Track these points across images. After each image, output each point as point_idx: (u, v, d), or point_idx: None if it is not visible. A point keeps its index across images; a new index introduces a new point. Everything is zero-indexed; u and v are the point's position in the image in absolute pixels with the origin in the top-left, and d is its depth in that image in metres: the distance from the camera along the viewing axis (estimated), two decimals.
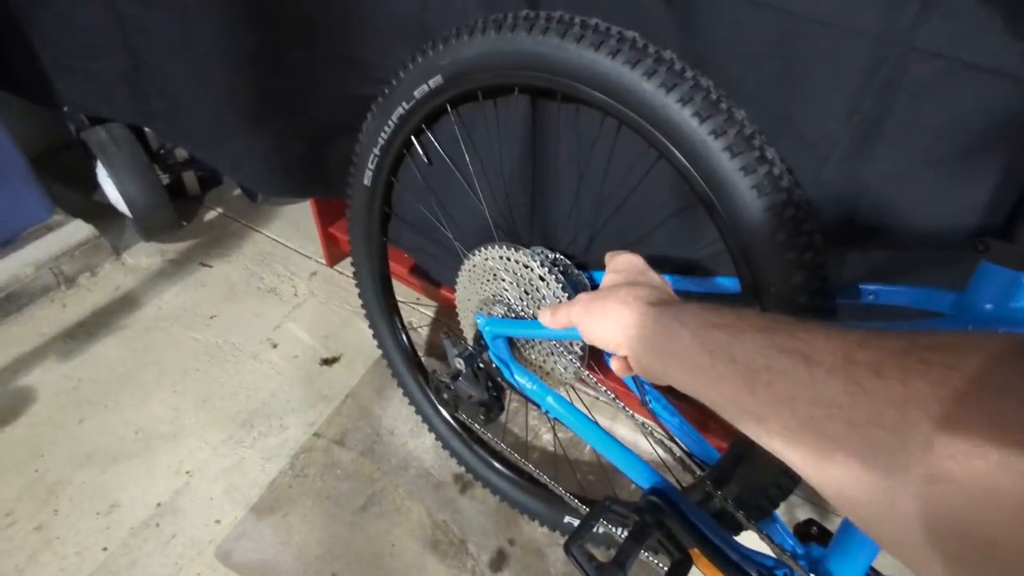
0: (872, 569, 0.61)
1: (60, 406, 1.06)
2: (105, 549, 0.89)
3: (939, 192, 0.56)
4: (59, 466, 0.98)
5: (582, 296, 0.45)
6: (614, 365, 0.47)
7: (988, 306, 0.43)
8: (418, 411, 1.05)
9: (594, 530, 0.62)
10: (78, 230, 1.25)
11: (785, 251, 0.51)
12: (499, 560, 0.94)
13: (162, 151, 1.32)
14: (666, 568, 0.59)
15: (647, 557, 0.64)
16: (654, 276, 0.48)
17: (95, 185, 1.34)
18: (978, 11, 0.47)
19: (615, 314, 0.40)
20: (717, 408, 0.31)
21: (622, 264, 0.49)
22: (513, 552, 0.95)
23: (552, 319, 0.48)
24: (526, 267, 0.73)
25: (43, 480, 0.96)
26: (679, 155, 0.54)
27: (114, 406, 1.07)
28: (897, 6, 0.50)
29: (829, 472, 0.23)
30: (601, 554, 0.78)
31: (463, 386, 0.78)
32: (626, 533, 0.62)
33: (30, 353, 1.13)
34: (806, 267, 0.51)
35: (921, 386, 0.20)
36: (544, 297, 0.72)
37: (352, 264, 1.00)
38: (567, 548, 0.61)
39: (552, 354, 0.75)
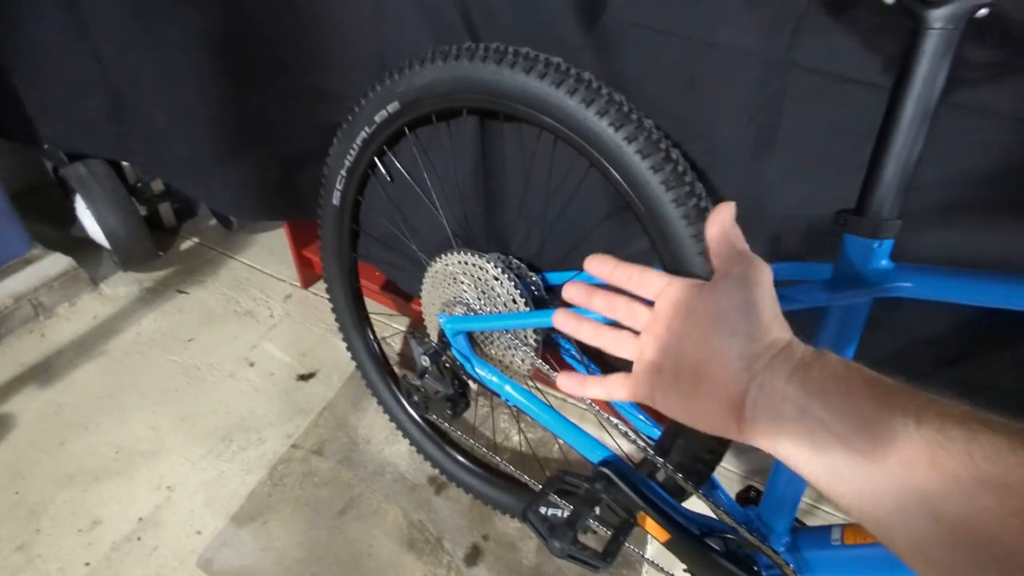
0: (796, 519, 0.68)
1: (41, 430, 1.08)
2: (87, 564, 0.91)
3: (825, 184, 0.66)
4: (40, 487, 1.00)
5: (650, 353, 0.37)
6: (610, 386, 0.41)
7: (852, 271, 0.52)
8: (392, 418, 1.10)
9: (549, 499, 0.68)
10: (56, 262, 1.29)
11: (692, 236, 0.60)
12: (474, 555, 0.99)
13: (139, 184, 1.38)
14: (614, 526, 0.65)
15: (597, 527, 0.69)
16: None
17: (72, 220, 1.39)
18: (842, 31, 0.57)
19: (724, 397, 0.32)
20: (842, 480, 0.27)
21: (679, 295, 0.37)
22: (487, 547, 1.00)
23: (614, 270, 0.41)
24: (482, 269, 0.80)
25: (24, 501, 0.98)
26: (602, 160, 0.63)
27: (95, 428, 1.09)
28: (776, 29, 0.60)
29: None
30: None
31: (430, 382, 0.84)
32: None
33: (9, 382, 1.15)
34: None
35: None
36: (499, 296, 0.80)
37: (325, 280, 1.06)
38: (523, 514, 0.67)
39: (509, 348, 0.82)
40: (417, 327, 0.94)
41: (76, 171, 1.22)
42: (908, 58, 0.44)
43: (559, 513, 0.66)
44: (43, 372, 1.18)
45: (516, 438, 1.15)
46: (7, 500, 0.98)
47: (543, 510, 0.67)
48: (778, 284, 0.40)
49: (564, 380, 0.44)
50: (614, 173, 0.63)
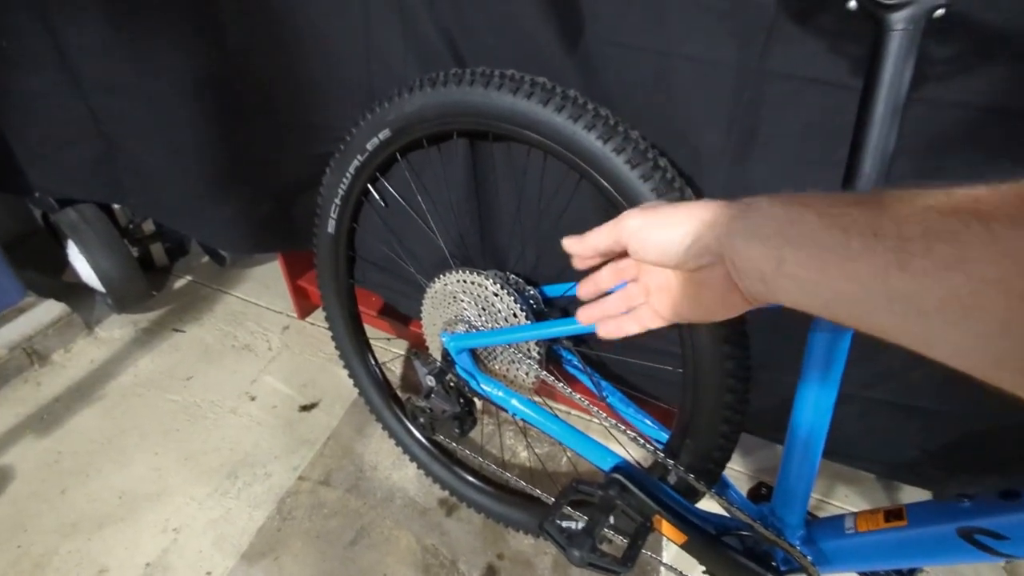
0: (809, 513, 0.69)
1: (41, 480, 1.06)
2: None
3: (805, 183, 0.69)
4: (44, 538, 0.98)
5: (633, 210, 0.40)
6: (642, 316, 0.45)
7: None
8: (398, 443, 1.10)
9: (564, 509, 0.68)
10: (50, 309, 1.28)
11: None
12: (489, 575, 0.98)
13: (130, 225, 1.38)
14: (631, 533, 0.66)
15: (614, 536, 0.70)
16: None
17: (63, 266, 1.38)
18: (811, 37, 0.60)
19: (694, 214, 0.36)
20: (841, 305, 0.29)
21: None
22: (502, 566, 0.99)
23: (585, 242, 0.44)
24: (480, 286, 0.82)
25: (28, 554, 0.96)
26: (593, 172, 0.65)
27: (96, 474, 1.08)
28: (747, 40, 0.63)
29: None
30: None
31: (436, 402, 0.85)
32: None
33: (7, 433, 1.13)
34: None
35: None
36: (499, 311, 0.81)
37: (323, 308, 1.07)
38: (541, 526, 0.68)
39: (513, 362, 0.83)
40: (417, 348, 0.95)
41: (67, 216, 1.22)
42: (875, 58, 0.47)
43: (575, 523, 0.67)
44: (40, 420, 1.16)
45: (524, 454, 1.15)
46: (10, 555, 0.96)
47: (559, 521, 0.67)
48: None
49: (603, 328, 0.48)
50: (604, 184, 0.65)
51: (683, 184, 0.63)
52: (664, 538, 0.72)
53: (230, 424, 1.18)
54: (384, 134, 0.81)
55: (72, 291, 1.36)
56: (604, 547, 0.65)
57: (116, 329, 1.37)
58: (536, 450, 1.15)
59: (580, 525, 0.70)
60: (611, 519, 0.67)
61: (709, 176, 0.72)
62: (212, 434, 1.16)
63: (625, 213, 0.41)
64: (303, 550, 0.98)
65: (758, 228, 0.32)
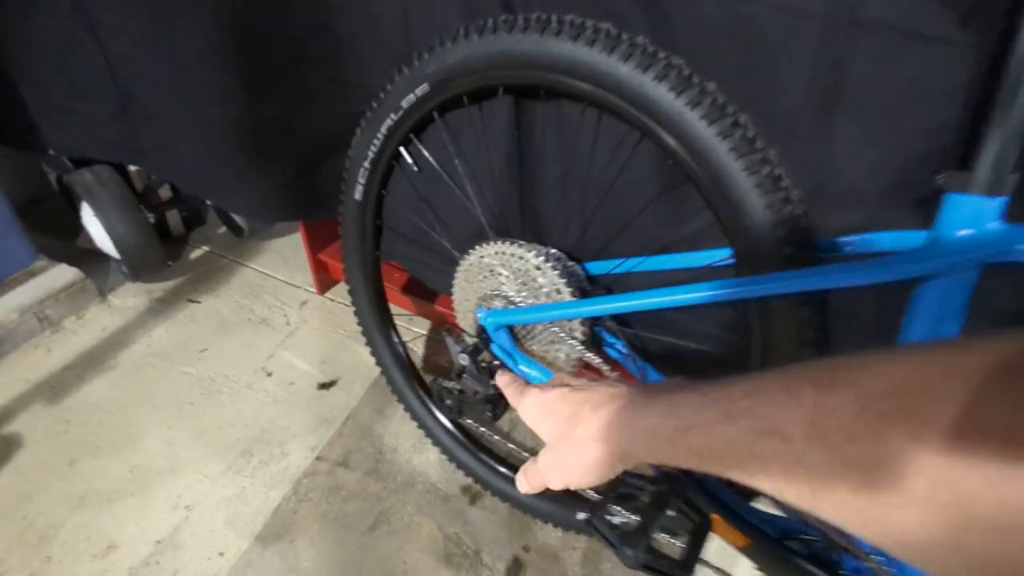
0: None
1: (49, 450, 1.02)
2: None
3: (896, 150, 0.61)
4: (51, 510, 0.94)
5: (545, 458, 0.45)
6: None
7: (960, 233, 0.47)
8: (420, 425, 1.04)
9: (612, 504, 0.62)
10: (62, 274, 1.23)
11: (767, 207, 0.54)
12: (515, 568, 0.92)
13: (147, 190, 1.33)
14: (688, 532, 0.59)
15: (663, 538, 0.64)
16: (569, 394, 0.45)
17: (77, 231, 1.34)
18: None
19: (597, 455, 0.40)
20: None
21: (538, 409, 0.47)
22: (529, 559, 0.93)
23: (529, 487, 0.49)
24: (522, 259, 0.75)
25: (33, 526, 0.92)
26: (661, 131, 0.58)
27: (106, 446, 1.03)
28: None
29: (861, 533, 0.23)
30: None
31: (468, 383, 0.78)
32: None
33: (15, 400, 1.09)
34: (787, 221, 0.54)
35: (896, 444, 0.21)
36: (541, 286, 0.74)
37: (347, 282, 1.01)
38: (588, 522, 0.61)
39: (554, 341, 0.76)
40: (449, 326, 0.89)
41: (82, 178, 1.17)
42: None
43: (626, 519, 0.61)
44: (50, 389, 1.12)
45: None
46: (15, 526, 0.91)
47: (608, 516, 0.61)
48: (857, 257, 0.36)
49: (519, 484, 0.51)
50: (673, 144, 0.58)
51: (765, 145, 0.56)
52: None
53: (245, 400, 1.13)
54: (421, 89, 0.74)
55: (86, 257, 1.32)
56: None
57: (130, 297, 1.32)
58: None
59: (627, 521, 0.64)
60: (667, 515, 0.60)
61: (781, 142, 0.65)
62: (227, 409, 1.11)
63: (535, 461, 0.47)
64: (320, 534, 0.93)
65: (644, 456, 0.37)
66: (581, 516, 0.92)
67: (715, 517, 0.62)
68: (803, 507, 0.25)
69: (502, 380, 0.58)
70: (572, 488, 0.45)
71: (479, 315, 0.78)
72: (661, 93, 0.56)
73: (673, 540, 0.61)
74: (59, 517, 0.93)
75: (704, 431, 0.30)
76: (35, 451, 1.02)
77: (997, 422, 0.18)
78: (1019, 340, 0.19)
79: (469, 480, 1.02)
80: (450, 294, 0.88)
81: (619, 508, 0.63)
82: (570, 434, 0.42)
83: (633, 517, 0.66)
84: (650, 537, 0.58)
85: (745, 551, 0.62)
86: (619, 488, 0.64)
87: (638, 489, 0.64)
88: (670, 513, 0.61)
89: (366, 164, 0.85)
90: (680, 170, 0.61)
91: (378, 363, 1.05)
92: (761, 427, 0.26)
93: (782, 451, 0.25)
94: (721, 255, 0.66)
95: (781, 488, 0.26)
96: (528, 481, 0.48)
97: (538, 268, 0.74)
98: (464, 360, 0.77)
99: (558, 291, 0.74)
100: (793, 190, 0.55)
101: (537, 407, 0.47)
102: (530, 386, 0.53)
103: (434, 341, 1.28)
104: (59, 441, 1.04)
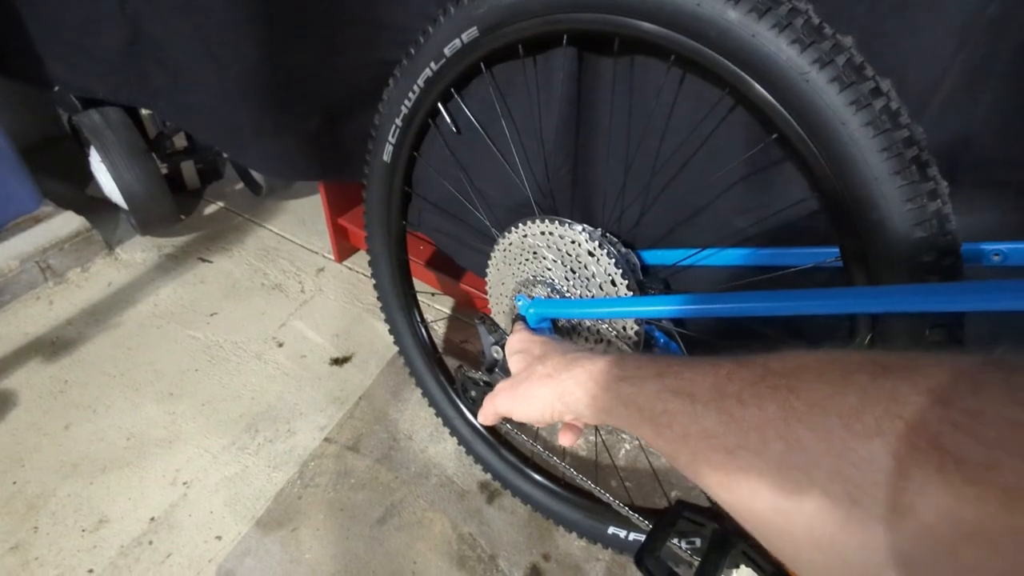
0: None
1: (44, 411, 0.96)
2: (91, 571, 0.79)
3: None
4: (41, 477, 0.88)
5: (501, 385, 0.47)
6: (563, 435, 0.49)
7: None
8: (439, 413, 0.96)
9: (668, 541, 0.53)
10: (68, 222, 1.16)
11: (907, 201, 0.43)
12: None
13: (160, 137, 1.24)
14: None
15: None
16: (550, 342, 0.49)
17: (88, 179, 1.25)
18: None
19: (544, 390, 0.42)
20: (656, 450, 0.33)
21: (517, 345, 0.50)
22: (548, 568, 0.85)
23: (481, 417, 0.50)
24: (573, 243, 0.65)
25: (23, 493, 0.86)
26: (769, 96, 0.47)
27: (104, 410, 0.97)
28: None
29: (722, 497, 0.25)
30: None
31: (500, 378, 0.69)
32: (698, 544, 0.54)
33: (12, 354, 1.03)
34: (932, 219, 0.43)
35: (773, 409, 0.23)
36: (593, 276, 0.64)
37: (368, 252, 0.91)
38: (639, 561, 0.52)
39: (603, 340, 0.66)
40: (464, 307, 0.79)
41: (90, 118, 1.08)
42: None
43: (683, 560, 0.51)
44: (50, 345, 1.06)
45: (586, 447, 1.00)
46: (3, 491, 0.86)
47: (662, 556, 0.52)
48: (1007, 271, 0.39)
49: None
50: (784, 112, 0.46)
51: (911, 120, 0.44)
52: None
53: (253, 370, 1.05)
54: (469, 35, 0.63)
55: (94, 206, 1.24)
56: None
57: (138, 252, 1.25)
58: (603, 434, 1.00)
59: (679, 555, 0.55)
60: (733, 561, 0.51)
61: (914, 112, 0.53)
62: (233, 380, 1.04)
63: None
64: (325, 524, 0.86)
65: (584, 401, 0.38)
66: (611, 531, 0.83)
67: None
68: (689, 469, 0.27)
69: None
70: (515, 419, 0.46)
71: (519, 304, 0.67)
72: (780, 47, 0.44)
73: None
74: (50, 485, 0.87)
75: (636, 382, 0.32)
76: (30, 410, 0.96)
77: (847, 403, 0.20)
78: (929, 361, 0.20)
79: (488, 476, 0.93)
80: (484, 276, 0.78)
81: (678, 544, 0.54)
82: (531, 369, 0.44)
83: (681, 543, 0.57)
84: None
85: None
86: (674, 522, 0.54)
87: (698, 525, 0.54)
88: (737, 560, 0.51)
89: (398, 121, 0.75)
90: (786, 147, 0.49)
91: (396, 342, 0.97)
92: (677, 386, 0.29)
93: (686, 411, 0.27)
94: (821, 255, 0.55)
95: (675, 449, 0.28)
96: (483, 409, 0.49)
97: (591, 254, 0.63)
98: (498, 353, 0.68)
99: (612, 283, 0.63)
100: (942, 180, 0.43)
101: (518, 342, 0.50)
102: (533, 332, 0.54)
103: (458, 323, 1.19)
104: (55, 401, 0.98)
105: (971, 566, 0.16)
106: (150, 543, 0.82)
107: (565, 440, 0.49)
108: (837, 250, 0.50)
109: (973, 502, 0.16)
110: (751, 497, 0.23)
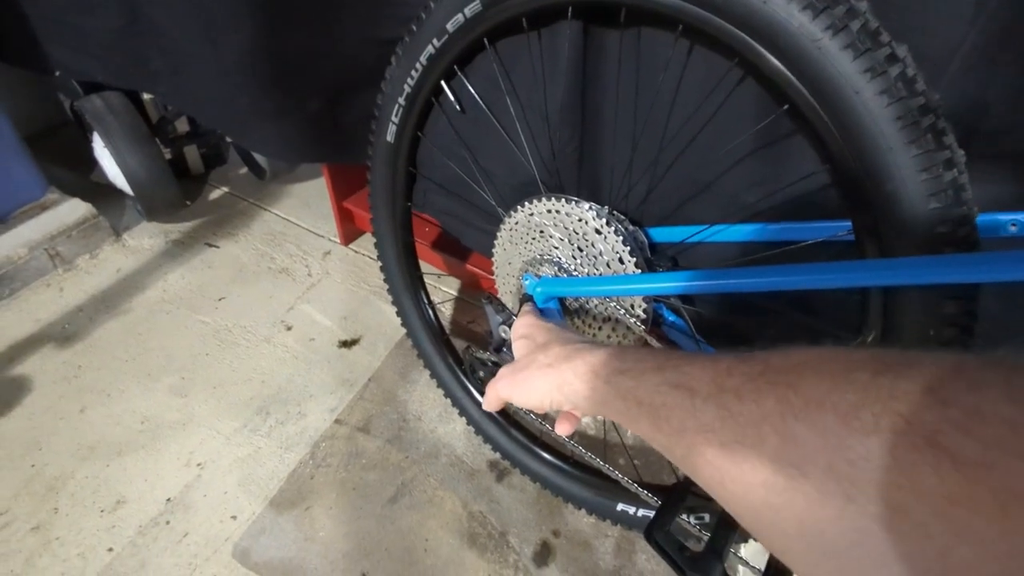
0: None
1: (59, 395, 0.97)
2: (111, 550, 0.80)
3: None
4: (59, 460, 0.89)
5: (503, 371, 0.47)
6: (559, 424, 0.49)
7: None
8: (447, 394, 0.96)
9: (677, 517, 0.53)
10: (75, 209, 1.16)
11: (922, 171, 0.42)
12: (544, 553, 0.86)
13: (163, 121, 1.23)
14: (767, 559, 0.50)
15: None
16: (554, 329, 0.49)
17: (92, 164, 1.25)
18: None
19: (544, 379, 0.42)
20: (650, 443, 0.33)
21: (522, 330, 0.50)
22: (559, 544, 0.87)
23: (485, 402, 0.49)
24: (580, 220, 0.64)
25: (41, 475, 0.88)
26: (780, 65, 0.45)
27: (118, 394, 0.98)
28: None
29: (716, 492, 0.25)
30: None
31: (507, 357, 0.69)
32: (707, 520, 0.54)
33: (25, 340, 1.05)
34: (947, 190, 0.42)
35: (770, 405, 0.23)
36: (601, 254, 0.63)
37: (374, 234, 0.91)
38: (649, 536, 0.52)
39: (610, 318, 0.66)
40: (470, 288, 0.79)
41: (92, 103, 1.07)
42: None
43: (692, 535, 0.52)
44: (61, 330, 1.07)
45: (586, 419, 1.01)
46: (23, 473, 0.88)
47: (672, 531, 0.52)
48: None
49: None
50: (798, 83, 0.45)
51: (928, 89, 0.42)
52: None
53: (263, 354, 1.06)
54: (472, 8, 0.61)
55: (100, 193, 1.24)
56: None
57: (146, 238, 1.25)
58: (620, 428, 1.00)
59: (691, 532, 0.55)
60: (736, 535, 0.51)
61: (929, 82, 0.51)
62: (243, 363, 1.05)
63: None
64: (337, 503, 0.88)
65: (582, 392, 0.38)
66: (620, 508, 0.84)
67: None
68: (684, 463, 0.27)
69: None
70: (515, 404, 0.46)
71: (526, 283, 0.67)
72: (791, 12, 0.43)
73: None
74: (68, 467, 0.89)
75: (636, 376, 0.32)
76: (45, 395, 0.98)
77: (846, 400, 0.20)
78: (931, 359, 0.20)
79: (497, 456, 0.94)
80: (490, 256, 0.78)
81: (687, 519, 0.54)
82: (532, 357, 0.44)
83: (690, 519, 0.58)
84: (723, 563, 0.49)
85: None
86: (683, 499, 0.55)
87: (706, 499, 0.55)
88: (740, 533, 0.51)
89: (401, 100, 0.74)
90: (797, 118, 0.48)
91: (404, 323, 0.97)
92: (677, 380, 0.29)
93: (685, 404, 0.27)
94: (832, 229, 0.54)
95: (672, 443, 0.28)
96: (486, 394, 0.49)
97: (598, 232, 0.63)
98: (506, 333, 0.68)
99: (620, 260, 0.63)
100: (959, 149, 0.42)
101: (523, 327, 0.50)
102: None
103: (465, 304, 1.19)
104: (70, 386, 0.99)
105: (964, 566, 0.16)
106: (167, 523, 0.84)
107: (562, 429, 0.49)
108: (849, 223, 0.49)
109: (968, 502, 0.16)
110: (744, 492, 0.23)
